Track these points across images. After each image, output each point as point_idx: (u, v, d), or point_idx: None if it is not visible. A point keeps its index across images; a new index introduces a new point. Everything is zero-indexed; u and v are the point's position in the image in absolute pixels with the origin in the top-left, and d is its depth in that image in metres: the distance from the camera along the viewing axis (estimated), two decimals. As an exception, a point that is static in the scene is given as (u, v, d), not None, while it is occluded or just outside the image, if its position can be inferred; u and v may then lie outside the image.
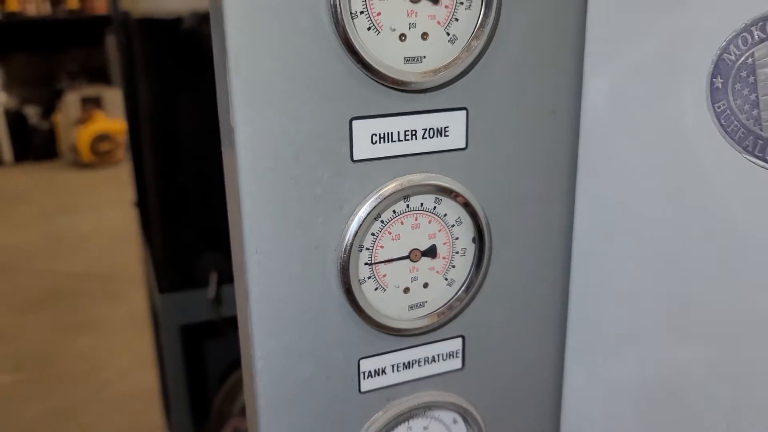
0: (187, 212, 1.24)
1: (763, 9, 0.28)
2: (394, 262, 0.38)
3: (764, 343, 0.30)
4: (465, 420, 0.43)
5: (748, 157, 0.29)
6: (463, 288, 0.39)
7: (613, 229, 0.38)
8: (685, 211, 0.33)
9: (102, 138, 5.53)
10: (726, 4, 0.29)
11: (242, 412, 1.22)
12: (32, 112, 6.07)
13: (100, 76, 6.29)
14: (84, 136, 5.49)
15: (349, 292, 0.36)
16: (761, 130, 0.29)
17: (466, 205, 0.38)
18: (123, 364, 2.69)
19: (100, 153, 5.56)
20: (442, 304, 0.39)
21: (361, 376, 0.39)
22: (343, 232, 0.36)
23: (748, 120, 0.29)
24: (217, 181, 1.29)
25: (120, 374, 2.62)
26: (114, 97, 5.94)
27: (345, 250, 0.36)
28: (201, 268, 1.23)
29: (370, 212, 0.36)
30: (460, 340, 0.41)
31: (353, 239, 0.36)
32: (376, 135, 0.35)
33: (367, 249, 0.37)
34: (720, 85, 0.30)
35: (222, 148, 0.38)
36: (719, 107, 0.30)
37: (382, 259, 0.37)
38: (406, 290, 0.38)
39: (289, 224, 0.35)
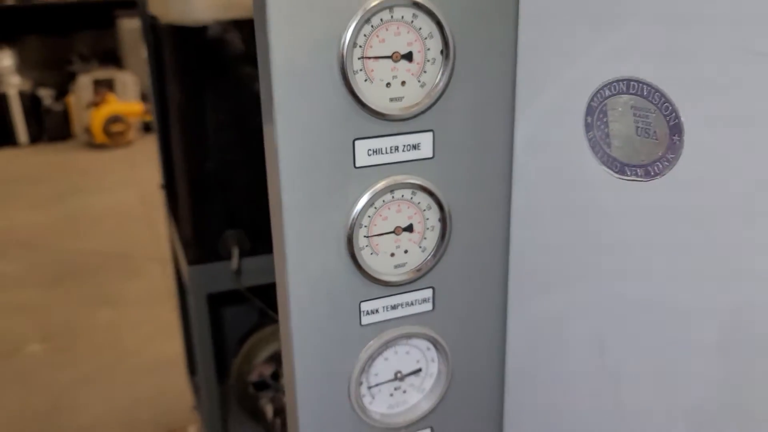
0: (212, 195, 1.41)
1: (610, 76, 0.45)
2: (384, 236, 0.55)
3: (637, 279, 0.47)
4: (435, 347, 0.60)
5: (605, 168, 0.46)
6: (432, 253, 0.57)
7: (536, 210, 0.55)
8: (575, 205, 0.50)
9: (114, 120, 5.70)
10: (592, 69, 0.46)
11: (265, 361, 1.40)
12: (46, 95, 6.23)
13: (112, 59, 6.45)
14: (97, 117, 5.66)
15: (353, 255, 0.54)
16: (610, 150, 0.46)
17: (434, 196, 0.55)
18: (144, 335, 2.89)
19: (113, 134, 5.73)
20: (417, 264, 0.57)
21: (362, 314, 0.56)
22: (349, 215, 0.53)
23: (604, 145, 0.46)
24: (237, 168, 1.48)
25: (142, 344, 2.82)
26: (125, 79, 6.10)
27: (350, 227, 0.53)
28: (224, 244, 1.41)
29: (367, 201, 0.53)
30: (430, 290, 0.58)
31: (356, 219, 0.53)
32: (371, 150, 0.52)
33: (365, 226, 0.54)
34: (590, 121, 0.47)
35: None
36: (590, 137, 0.47)
37: (376, 233, 0.55)
38: (392, 255, 0.56)
39: (314, 209, 0.52)
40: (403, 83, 0.51)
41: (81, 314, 3.10)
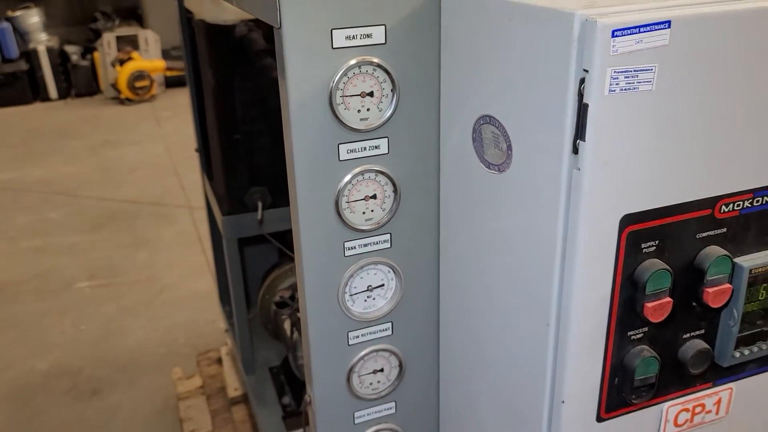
0: (240, 159, 1.75)
1: (483, 113, 0.78)
2: (358, 201, 0.89)
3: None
4: (393, 270, 0.95)
5: (481, 164, 0.80)
6: (389, 211, 0.91)
7: (452, 183, 0.89)
8: (467, 181, 0.84)
9: (139, 76, 6.03)
10: (476, 108, 0.80)
11: (284, 288, 1.77)
12: (73, 51, 6.54)
13: (134, 17, 6.72)
14: (122, 74, 6.00)
15: (338, 213, 0.89)
16: (484, 155, 0.80)
17: (389, 177, 0.89)
18: (178, 273, 3.29)
19: (138, 89, 6.07)
20: (380, 218, 0.91)
21: (345, 249, 0.91)
22: (336, 188, 0.87)
23: (480, 151, 0.80)
24: (260, 137, 1.86)
25: (176, 281, 3.22)
26: (147, 36, 6.39)
27: (337, 195, 0.88)
28: (250, 198, 1.76)
29: (347, 180, 0.87)
30: (389, 234, 0.93)
31: (340, 191, 0.88)
32: (349, 150, 0.86)
33: (346, 195, 0.89)
34: (475, 138, 0.81)
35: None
36: (475, 146, 0.81)
37: (353, 200, 0.89)
38: (363, 213, 0.90)
39: (315, 186, 0.86)
40: (368, 110, 0.85)
41: (121, 256, 3.49)
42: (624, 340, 0.71)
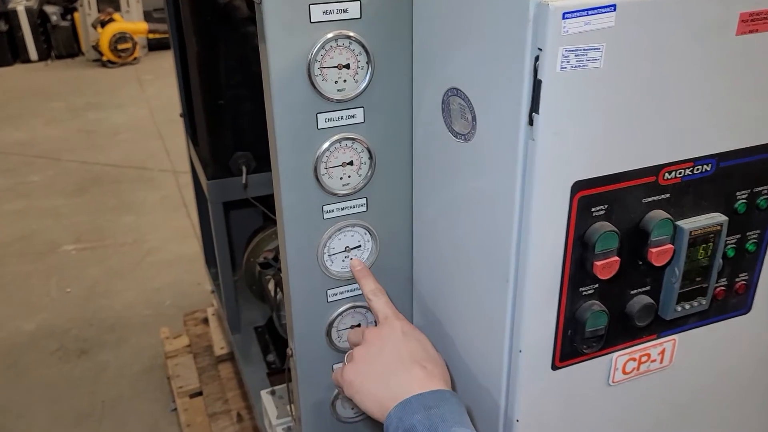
0: (225, 124, 1.79)
1: (450, 85, 0.84)
2: (336, 167, 0.95)
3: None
4: (369, 232, 1.02)
5: (449, 134, 0.86)
6: (365, 177, 0.97)
7: (422, 151, 0.95)
8: (436, 149, 0.90)
9: (121, 38, 5.98)
10: (444, 80, 0.85)
11: (268, 250, 1.83)
12: (52, 11, 6.45)
13: (114, -23, 6.62)
14: (104, 36, 5.95)
15: (317, 178, 0.94)
16: (452, 125, 0.86)
17: (365, 145, 0.95)
18: (164, 237, 3.34)
19: (120, 52, 6.03)
20: (356, 183, 0.97)
21: (324, 212, 0.97)
22: (315, 155, 0.93)
23: (449, 121, 0.86)
24: (244, 103, 1.91)
25: (162, 244, 3.27)
26: (128, -3, 6.32)
27: (316, 161, 0.93)
28: (235, 163, 1.80)
29: (326, 147, 0.93)
30: (365, 198, 0.99)
31: (319, 157, 0.93)
32: (327, 118, 0.92)
33: (324, 161, 0.94)
34: (444, 109, 0.87)
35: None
36: (444, 116, 0.87)
37: (331, 166, 0.95)
38: (341, 178, 0.96)
39: (295, 152, 0.92)
40: (345, 81, 0.91)
41: (106, 219, 3.53)
42: (576, 296, 0.78)
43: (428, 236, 0.98)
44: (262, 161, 1.81)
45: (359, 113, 0.93)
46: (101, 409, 2.32)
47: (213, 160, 1.83)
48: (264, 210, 1.85)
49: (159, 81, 5.75)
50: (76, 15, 6.36)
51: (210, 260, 2.29)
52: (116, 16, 6.16)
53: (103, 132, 4.79)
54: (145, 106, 5.21)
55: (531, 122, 0.69)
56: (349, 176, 0.97)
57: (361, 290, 1.00)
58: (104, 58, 6.10)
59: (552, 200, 0.72)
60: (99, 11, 6.23)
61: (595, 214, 0.74)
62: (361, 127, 0.94)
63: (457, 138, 0.84)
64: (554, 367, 0.82)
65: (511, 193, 0.74)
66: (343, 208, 0.98)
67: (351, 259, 1.02)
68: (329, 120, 0.92)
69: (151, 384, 2.40)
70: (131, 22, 6.20)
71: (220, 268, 1.94)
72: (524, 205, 0.73)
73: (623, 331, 0.83)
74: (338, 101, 0.91)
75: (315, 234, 0.99)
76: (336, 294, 1.04)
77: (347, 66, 0.90)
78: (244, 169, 1.79)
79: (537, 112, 0.68)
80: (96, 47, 6.11)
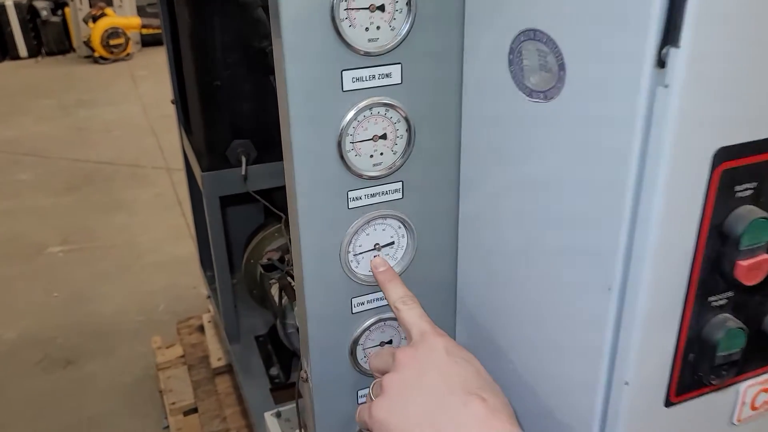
0: (221, 109, 1.58)
1: (523, 27, 0.63)
2: (365, 142, 0.74)
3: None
4: (404, 226, 0.81)
5: (520, 93, 0.65)
6: (400, 154, 0.76)
7: (477, 119, 0.74)
8: (501, 116, 0.69)
9: (113, 33, 5.77)
10: (513, 21, 0.64)
11: (272, 250, 1.62)
12: (42, 6, 6.24)
13: (107, -30, 6.40)
14: (96, 31, 5.73)
15: (341, 156, 0.73)
16: (524, 80, 0.64)
17: (402, 113, 0.74)
18: (156, 237, 3.13)
19: (112, 47, 5.81)
20: (390, 163, 0.76)
21: (349, 200, 0.76)
22: (339, 126, 0.72)
23: (520, 76, 0.65)
24: (243, 84, 1.67)
25: (155, 245, 3.06)
26: (121, -9, 6.11)
27: (340, 135, 0.72)
28: (233, 152, 1.60)
29: (352, 116, 0.72)
30: (400, 183, 0.78)
31: (344, 129, 0.72)
32: (354, 78, 0.71)
33: (351, 134, 0.73)
34: (513, 60, 0.66)
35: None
36: (511, 70, 0.66)
37: (359, 140, 0.74)
38: (371, 156, 0.75)
39: (313, 122, 0.71)
40: (378, 28, 0.69)
41: (96, 219, 3.32)
42: (704, 308, 0.57)
43: (484, 231, 0.77)
44: (264, 150, 1.61)
45: (395, 71, 0.72)
46: (87, 426, 2.11)
47: (208, 149, 1.62)
48: (266, 204, 1.64)
49: (153, 77, 5.54)
50: (67, 10, 6.15)
51: (206, 262, 2.07)
52: (108, 11, 5.94)
53: (94, 129, 4.58)
54: (138, 102, 5.00)
55: (661, 62, 0.48)
56: (382, 154, 0.76)
57: (387, 298, 0.79)
58: (96, 54, 5.89)
59: (683, 174, 0.51)
60: (91, 6, 6.01)
61: (739, 194, 0.53)
62: (398, 90, 0.73)
63: (531, 97, 0.63)
64: (668, 403, 0.61)
65: (623, 167, 0.53)
66: (372, 195, 0.77)
67: (375, 257, 0.81)
68: (357, 80, 0.71)
69: (141, 398, 2.19)
70: (124, 17, 5.98)
71: (216, 270, 1.73)
72: (642, 182, 0.52)
73: (757, 354, 0.62)
74: (369, 55, 0.70)
75: (338, 228, 0.78)
76: (363, 303, 0.83)
77: (381, 8, 0.69)
78: (243, 159, 1.59)
79: (676, 44, 0.46)
80: (87, 43, 5.89)
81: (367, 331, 0.84)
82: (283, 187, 0.80)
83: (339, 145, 0.73)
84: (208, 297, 2.10)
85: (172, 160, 3.89)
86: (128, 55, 5.97)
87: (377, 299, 0.83)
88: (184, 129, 1.88)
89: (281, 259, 1.48)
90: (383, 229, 0.80)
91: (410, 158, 0.77)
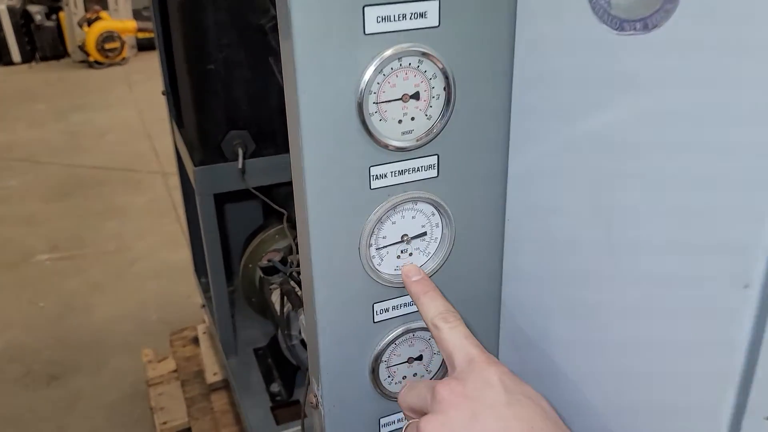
0: (215, 96, 1.42)
1: (611, -65, 0.47)
2: (392, 102, 0.58)
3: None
4: (439, 212, 0.64)
5: (605, 27, 0.49)
6: (437, 120, 0.60)
7: (538, 74, 0.58)
8: (574, 66, 0.53)
9: (108, 37, 5.62)
10: (594, -69, 0.48)
11: (275, 250, 1.46)
12: (36, 11, 6.10)
13: (102, -27, 6.27)
14: (91, 35, 5.58)
15: (363, 121, 0.57)
16: (610, 9, 0.48)
17: (439, 64, 0.58)
18: (149, 244, 2.96)
19: (107, 52, 5.66)
20: (423, 131, 0.60)
21: (371, 178, 0.60)
22: (359, 82, 0.56)
23: (602, 6, 0.49)
24: (239, 68, 1.49)
25: (148, 252, 2.90)
26: (117, -6, 5.97)
27: (360, 93, 0.56)
28: (228, 145, 1.43)
29: (375, 68, 0.56)
30: (436, 156, 0.62)
31: (365, 86, 0.56)
32: (380, 17, 0.55)
33: (374, 93, 0.57)
34: (590, -17, 0.49)
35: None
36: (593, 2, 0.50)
37: (384, 100, 0.58)
38: (400, 122, 0.59)
39: (325, 75, 0.55)
40: (413, 119, 0.55)
41: (87, 225, 3.16)
42: None
43: (547, 218, 0.61)
44: (264, 142, 1.45)
45: (433, 9, 0.56)
46: (72, 448, 1.94)
47: (201, 141, 1.46)
48: (267, 202, 1.48)
49: (149, 82, 5.37)
50: (62, 15, 6.00)
51: (200, 268, 1.91)
52: (103, 14, 5.80)
53: (87, 134, 4.42)
54: (133, 107, 4.85)
55: None
56: (413, 119, 0.59)
57: (422, 315, 0.62)
58: (91, 59, 5.74)
59: None
60: (86, 10, 5.87)
61: None
62: (435, 34, 0.57)
63: (623, 30, 0.47)
64: (820, 445, 0.44)
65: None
66: (401, 172, 0.61)
67: (401, 263, 0.65)
68: (383, 19, 0.55)
69: (130, 417, 2.02)
70: (119, 20, 5.84)
71: (211, 275, 1.57)
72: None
73: None
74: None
75: (356, 215, 0.61)
76: (387, 310, 0.66)
77: (416, -77, 0.53)
78: (240, 151, 1.42)
79: None
80: (82, 47, 5.74)
81: (392, 345, 0.68)
82: (286, 184, 0.64)
83: (360, 107, 0.56)
84: (203, 306, 1.94)
85: (167, 165, 3.73)
86: (124, 59, 5.83)
87: (404, 304, 0.67)
88: (176, 123, 1.72)
89: (283, 261, 1.31)
90: (413, 217, 0.64)
91: (449, 124, 0.61)
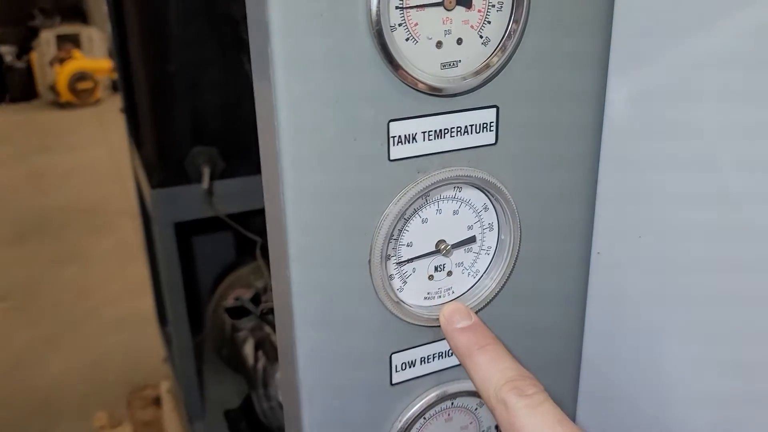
0: (177, 105, 1.19)
1: None
2: (427, 8, 0.34)
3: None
4: (497, 205, 0.40)
5: None
6: (499, 47, 0.36)
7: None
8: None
9: (81, 77, 5.38)
10: None
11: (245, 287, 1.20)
12: (7, 51, 5.89)
13: (76, 14, 6.10)
14: (62, 74, 5.35)
15: (380, 36, 0.33)
16: None
17: (505, -52, 0.34)
18: (112, 292, 2.68)
19: (79, 92, 5.42)
20: (478, 64, 0.36)
21: (391, 141, 0.36)
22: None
23: None
24: (205, 69, 1.23)
25: (109, 301, 2.62)
26: (91, 35, 5.78)
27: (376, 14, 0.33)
28: (192, 163, 1.20)
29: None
30: (494, 110, 0.38)
31: (383, -22, 0.33)
32: None
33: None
34: None
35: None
36: None
37: (414, 4, 0.34)
38: (439, 44, 0.35)
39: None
40: (459, 41, 0.31)
41: (44, 272, 2.88)
42: None
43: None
44: (234, 160, 1.21)
45: None
46: None
47: (160, 159, 1.23)
48: (239, 229, 1.23)
49: (122, 123, 5.15)
50: (33, 55, 5.79)
51: (162, 316, 1.64)
52: (77, 53, 5.59)
53: (51, 175, 4.17)
54: (104, 148, 4.60)
55: None
56: (460, 41, 0.36)
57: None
58: (62, 100, 5.50)
59: None
60: (58, 49, 5.67)
61: None
62: None
63: None
64: None
65: None
66: (439, 133, 0.37)
67: (436, 289, 0.40)
68: None
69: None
70: (93, 59, 5.63)
71: (172, 323, 1.30)
72: None
73: None
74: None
75: (366, 203, 0.37)
76: (412, 364, 0.42)
77: None
78: (206, 170, 1.18)
79: None
80: (53, 87, 5.51)
81: (421, 419, 0.43)
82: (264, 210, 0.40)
83: (377, 15, 0.33)
84: (165, 360, 1.66)
85: (136, 204, 3.48)
86: (97, 100, 5.60)
87: (439, 355, 0.42)
88: (135, 143, 1.48)
89: (255, 299, 1.05)
90: (454, 211, 0.40)
91: (516, 56, 0.37)
